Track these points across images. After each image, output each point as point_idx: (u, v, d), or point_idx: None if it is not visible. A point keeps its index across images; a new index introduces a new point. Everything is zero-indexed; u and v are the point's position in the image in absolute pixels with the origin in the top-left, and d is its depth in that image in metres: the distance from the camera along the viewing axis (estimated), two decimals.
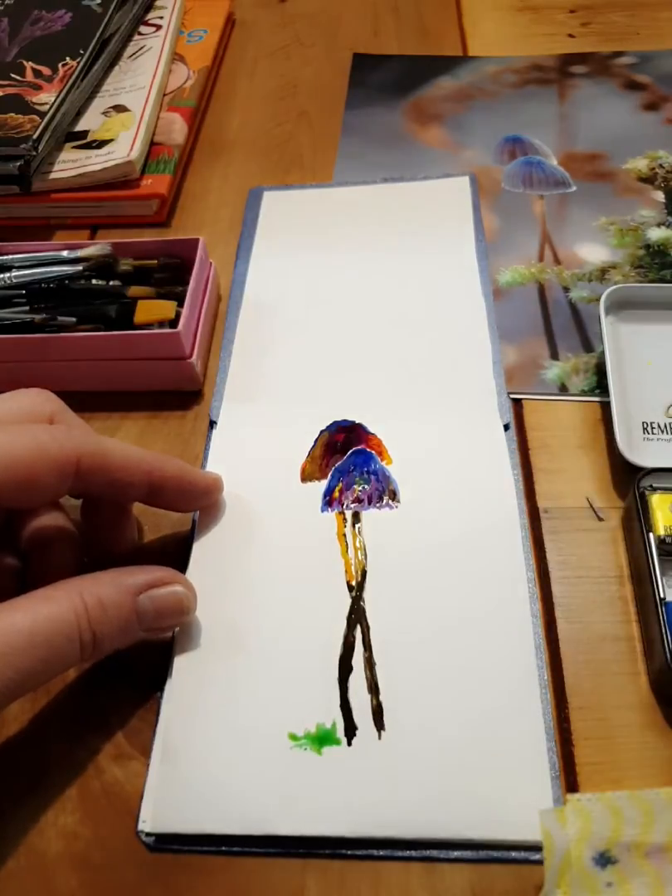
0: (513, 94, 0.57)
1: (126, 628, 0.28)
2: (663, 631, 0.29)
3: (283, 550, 0.34)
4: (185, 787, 0.28)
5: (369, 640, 0.31)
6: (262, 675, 0.30)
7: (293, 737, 0.29)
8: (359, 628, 0.31)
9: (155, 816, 0.27)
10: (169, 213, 0.50)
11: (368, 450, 0.37)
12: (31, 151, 0.47)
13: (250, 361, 0.41)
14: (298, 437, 0.38)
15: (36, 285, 0.41)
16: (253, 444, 0.38)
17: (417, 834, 0.27)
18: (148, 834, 0.27)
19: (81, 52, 0.53)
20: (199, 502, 0.34)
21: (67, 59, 0.53)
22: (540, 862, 0.25)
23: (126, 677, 0.31)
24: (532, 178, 0.51)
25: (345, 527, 0.34)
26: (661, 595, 0.30)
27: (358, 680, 0.30)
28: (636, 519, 0.32)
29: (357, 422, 0.38)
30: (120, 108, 0.53)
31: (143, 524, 0.36)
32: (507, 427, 0.37)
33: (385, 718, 0.29)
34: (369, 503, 0.35)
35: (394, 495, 0.35)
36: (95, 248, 0.42)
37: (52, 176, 0.48)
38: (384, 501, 0.35)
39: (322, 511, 0.35)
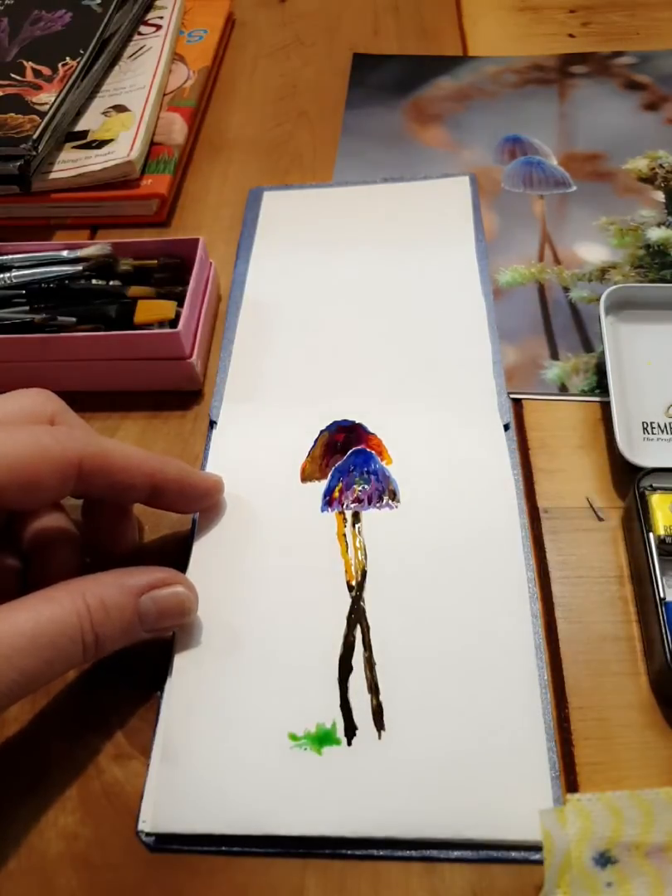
0: (513, 94, 0.57)
1: (128, 629, 0.28)
2: (663, 631, 0.29)
3: (283, 550, 0.34)
4: (185, 787, 0.28)
5: (369, 640, 0.31)
6: (262, 675, 0.30)
7: (293, 737, 0.29)
8: (359, 628, 0.31)
9: (155, 816, 0.27)
10: (169, 213, 0.51)
11: (368, 450, 0.37)
12: (31, 151, 0.47)
13: (250, 361, 0.41)
14: (298, 437, 0.38)
15: (36, 285, 0.41)
16: (253, 444, 0.38)
17: (417, 834, 0.27)
18: (148, 834, 0.27)
19: (81, 52, 0.53)
20: (199, 504, 0.34)
21: (67, 59, 0.53)
22: (540, 862, 0.25)
23: (126, 677, 0.31)
24: (532, 178, 0.51)
25: (345, 527, 0.34)
26: (661, 595, 0.30)
27: (358, 680, 0.30)
28: (636, 519, 0.32)
29: (357, 422, 0.38)
30: (120, 108, 0.53)
31: (143, 524, 0.36)
32: (507, 427, 0.37)
33: (385, 718, 0.29)
34: (369, 503, 0.35)
35: (394, 495, 0.35)
36: (95, 248, 0.42)
37: (52, 176, 0.48)
38: (384, 501, 0.35)
39: (322, 511, 0.35)
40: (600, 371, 0.40)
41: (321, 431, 0.38)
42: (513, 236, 0.48)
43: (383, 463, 0.36)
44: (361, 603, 0.32)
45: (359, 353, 0.41)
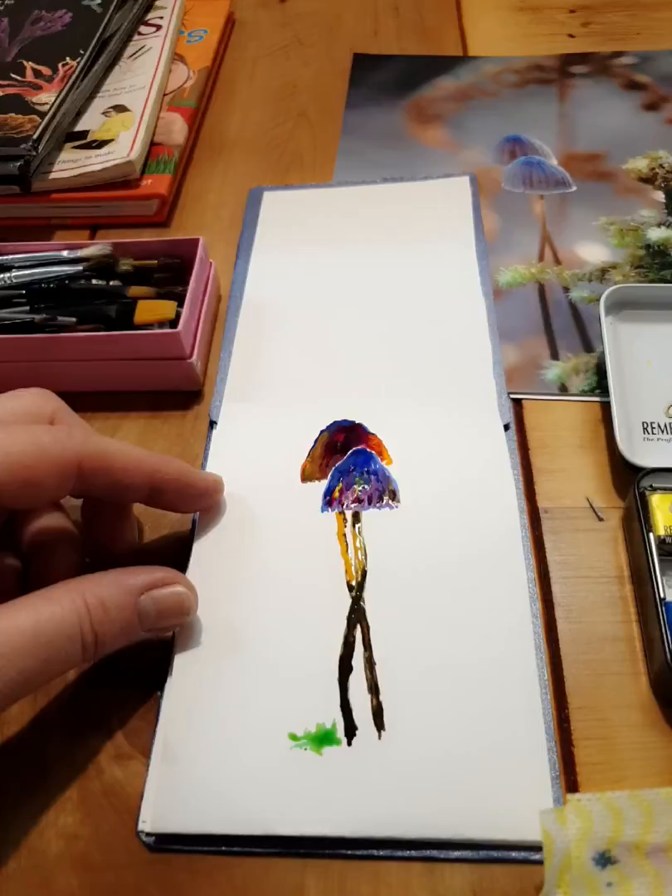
0: (513, 94, 0.57)
1: (128, 629, 0.28)
2: (663, 631, 0.29)
3: (283, 550, 0.34)
4: (185, 787, 0.28)
5: (369, 640, 0.31)
6: (262, 675, 0.30)
7: (293, 737, 0.29)
8: (359, 628, 0.31)
9: (155, 816, 0.27)
10: (169, 213, 0.50)
11: (368, 450, 0.37)
12: (31, 151, 0.47)
13: (250, 361, 0.41)
14: (298, 437, 0.38)
15: (36, 285, 0.41)
16: (253, 444, 0.38)
17: (417, 834, 0.27)
18: (148, 834, 0.27)
19: (81, 52, 0.53)
20: (199, 503, 0.34)
21: (67, 59, 0.53)
22: (540, 862, 0.25)
23: (126, 677, 0.31)
24: (532, 178, 0.51)
25: (345, 527, 0.34)
26: (661, 595, 0.30)
27: (358, 680, 0.30)
28: (636, 519, 0.32)
29: (357, 422, 0.38)
30: (120, 108, 0.53)
31: (143, 524, 0.36)
32: (507, 427, 0.37)
33: (385, 718, 0.29)
34: (369, 503, 0.35)
35: (394, 495, 0.35)
36: (95, 248, 0.42)
37: (52, 176, 0.48)
38: (384, 501, 0.35)
39: (322, 511, 0.35)
40: (600, 371, 0.40)
41: (321, 431, 0.38)
42: (513, 236, 0.48)
43: (383, 463, 0.36)
44: (361, 603, 0.32)
45: (359, 353, 0.41)
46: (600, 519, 0.35)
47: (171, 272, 0.42)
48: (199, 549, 0.34)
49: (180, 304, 0.40)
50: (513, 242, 0.47)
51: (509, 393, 0.39)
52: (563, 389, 0.40)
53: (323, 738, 0.29)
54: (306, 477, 0.36)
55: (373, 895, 0.26)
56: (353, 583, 0.33)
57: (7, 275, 0.41)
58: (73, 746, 0.30)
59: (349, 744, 0.29)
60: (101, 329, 0.39)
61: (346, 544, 0.34)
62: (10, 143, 0.47)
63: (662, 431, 0.37)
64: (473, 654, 0.30)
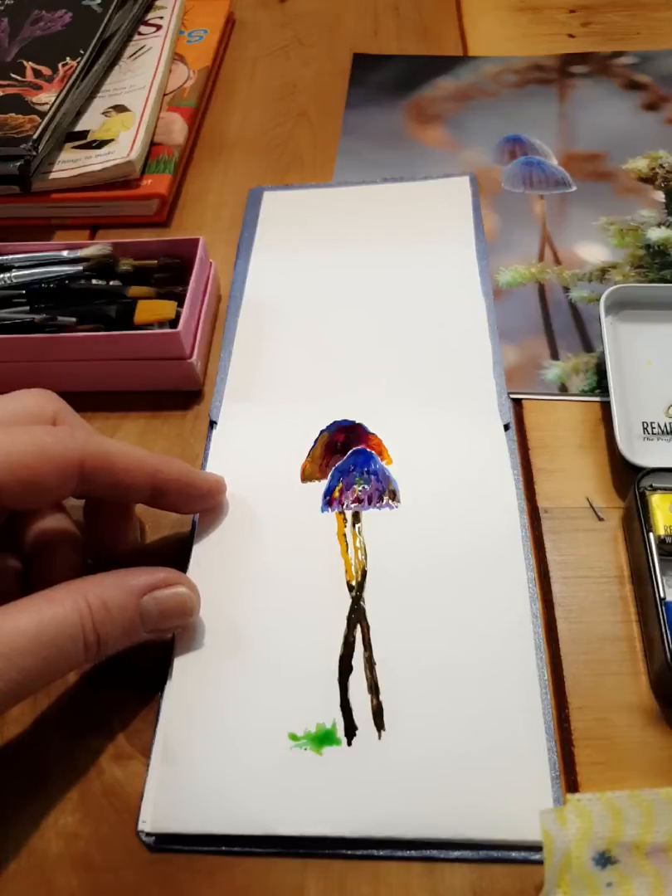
0: (513, 94, 0.57)
1: (130, 630, 0.28)
2: (663, 631, 0.29)
3: (283, 550, 0.34)
4: (185, 787, 0.28)
5: (369, 640, 0.31)
6: (262, 675, 0.30)
7: (293, 737, 0.29)
8: (359, 628, 0.31)
9: (155, 816, 0.27)
10: (169, 213, 0.50)
11: (368, 450, 0.37)
12: (31, 151, 0.47)
13: (250, 361, 0.41)
14: (298, 437, 0.38)
15: (36, 285, 0.41)
16: (253, 444, 0.38)
17: (417, 834, 0.27)
18: (148, 834, 0.27)
19: (81, 52, 0.53)
20: (201, 504, 0.34)
21: (67, 59, 0.53)
22: (540, 862, 0.25)
23: (126, 677, 0.31)
24: (532, 178, 0.51)
25: (345, 527, 0.34)
26: (661, 595, 0.30)
27: (358, 680, 0.30)
28: (636, 519, 0.32)
29: (357, 422, 0.38)
30: (120, 108, 0.53)
31: (144, 524, 0.36)
32: (507, 427, 0.37)
33: (385, 718, 0.29)
34: (369, 503, 0.35)
35: (394, 495, 0.35)
36: (95, 248, 0.42)
37: (52, 176, 0.48)
38: (384, 501, 0.35)
39: (322, 511, 0.35)
40: (600, 371, 0.40)
41: (321, 431, 0.38)
42: (513, 236, 0.48)
43: (383, 463, 0.36)
44: (361, 603, 0.32)
45: (359, 353, 0.41)
46: (600, 519, 0.35)
47: (171, 272, 0.42)
48: (200, 549, 0.34)
49: (180, 304, 0.40)
50: (513, 242, 0.47)
51: (509, 393, 0.39)
52: (563, 389, 0.40)
53: (323, 738, 0.29)
54: (306, 477, 0.36)
55: (373, 895, 0.26)
56: (353, 583, 0.33)
57: (7, 275, 0.41)
58: (74, 747, 0.30)
59: (349, 744, 0.29)
60: (101, 329, 0.39)
61: (346, 544, 0.34)
62: (10, 143, 0.47)
63: (662, 431, 0.37)
64: (473, 654, 0.30)
